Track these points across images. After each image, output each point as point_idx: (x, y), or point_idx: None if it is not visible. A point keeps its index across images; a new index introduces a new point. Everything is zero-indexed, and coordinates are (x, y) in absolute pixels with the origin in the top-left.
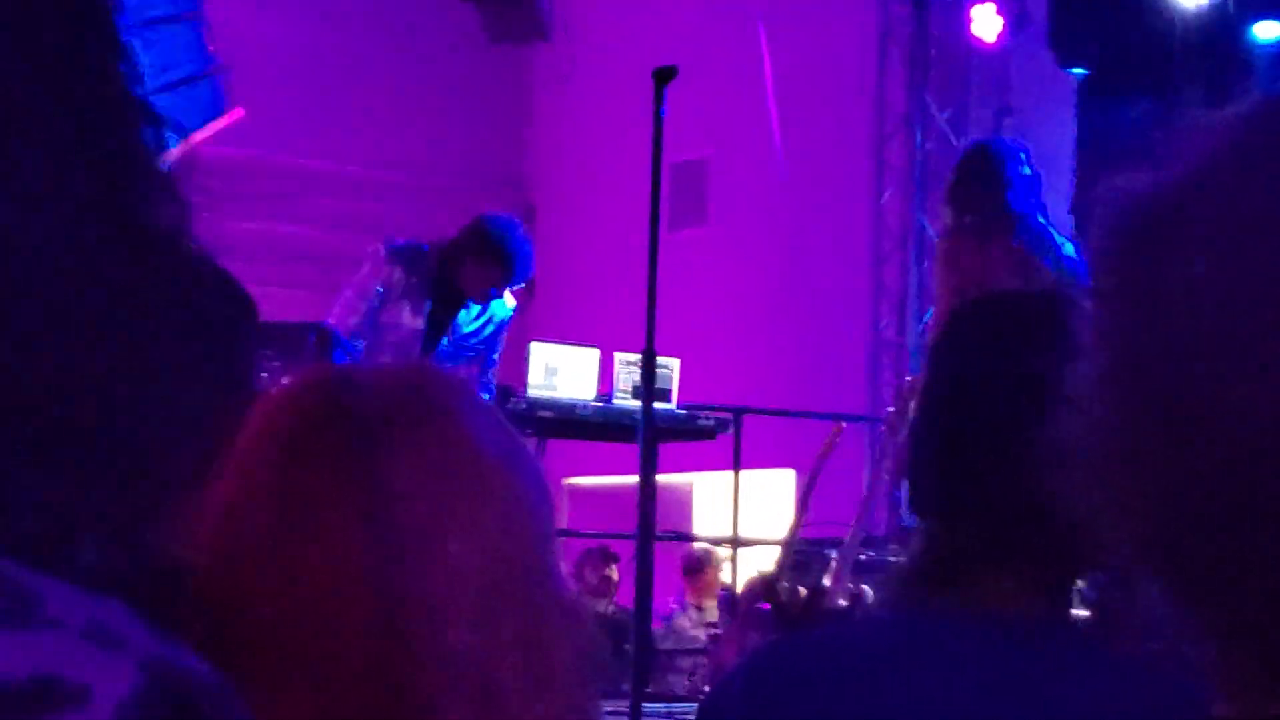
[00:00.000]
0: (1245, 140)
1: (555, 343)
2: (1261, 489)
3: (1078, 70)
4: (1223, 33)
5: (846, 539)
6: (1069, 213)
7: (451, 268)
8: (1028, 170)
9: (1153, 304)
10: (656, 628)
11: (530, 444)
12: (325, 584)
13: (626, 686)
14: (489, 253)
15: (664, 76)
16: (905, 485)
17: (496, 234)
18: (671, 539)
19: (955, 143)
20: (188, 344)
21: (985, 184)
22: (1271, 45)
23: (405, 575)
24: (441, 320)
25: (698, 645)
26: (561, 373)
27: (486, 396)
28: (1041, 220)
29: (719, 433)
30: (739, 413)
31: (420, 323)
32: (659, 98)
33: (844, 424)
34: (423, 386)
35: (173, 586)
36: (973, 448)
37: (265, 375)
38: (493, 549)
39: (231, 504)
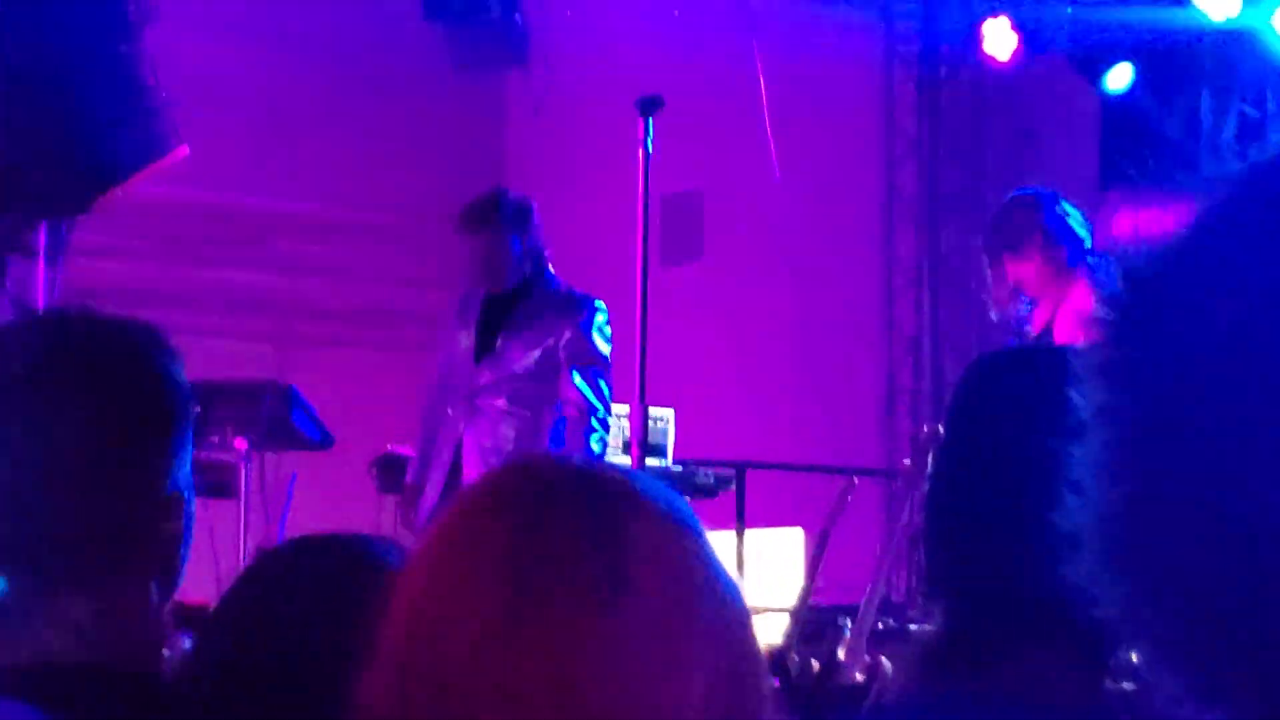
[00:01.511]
0: (1234, 206)
1: None
2: None
3: (1115, 87)
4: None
5: (862, 606)
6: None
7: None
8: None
9: (1146, 380)
10: None
11: None
12: (552, 678)
13: None
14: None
15: (650, 107)
16: (924, 549)
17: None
18: None
19: (970, 169)
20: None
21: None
22: None
23: (639, 678)
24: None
25: None
26: None
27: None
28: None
29: (720, 490)
30: (742, 468)
31: (469, 339)
32: (646, 129)
33: (856, 478)
34: (663, 487)
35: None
36: (989, 526)
37: (216, 438)
38: (725, 669)
39: (436, 590)
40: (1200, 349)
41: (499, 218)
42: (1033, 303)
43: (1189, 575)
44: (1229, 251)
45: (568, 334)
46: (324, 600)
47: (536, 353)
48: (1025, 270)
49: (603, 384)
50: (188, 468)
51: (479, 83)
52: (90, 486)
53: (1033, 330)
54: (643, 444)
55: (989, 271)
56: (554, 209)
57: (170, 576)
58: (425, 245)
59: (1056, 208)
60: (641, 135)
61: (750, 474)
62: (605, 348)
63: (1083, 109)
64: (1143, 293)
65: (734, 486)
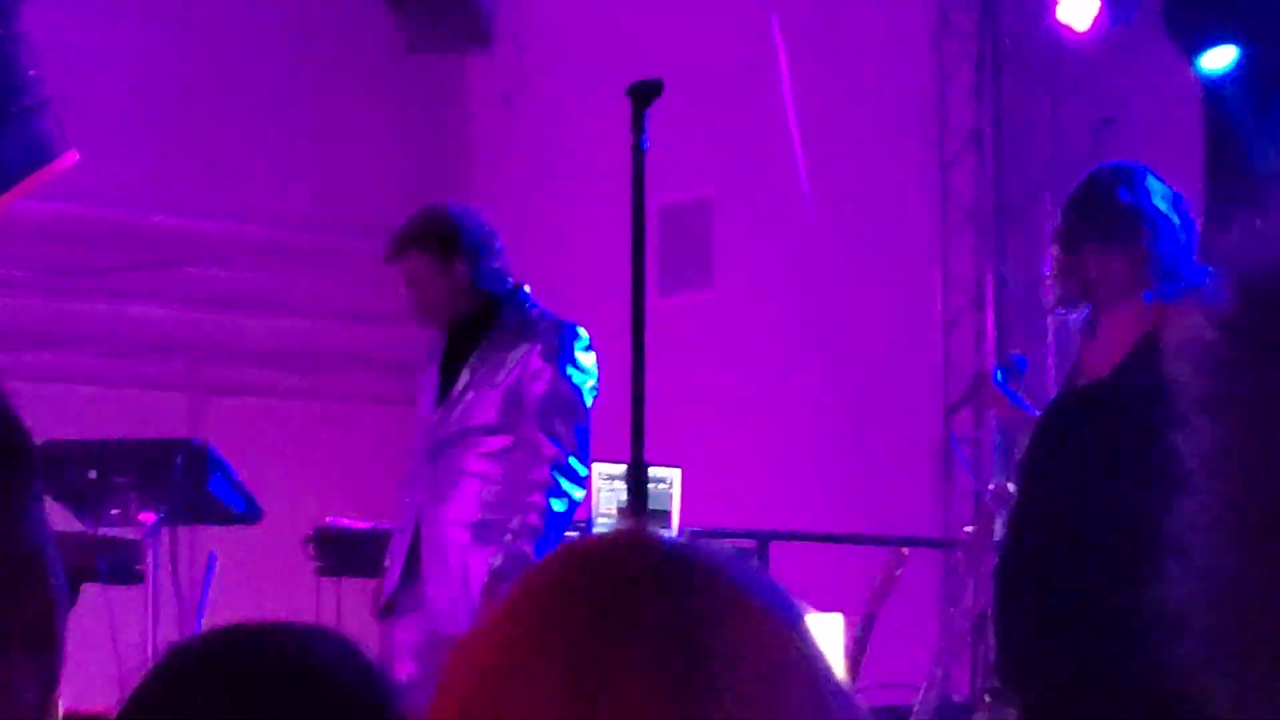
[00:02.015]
0: None
1: None
2: None
3: (1212, 67)
4: None
5: (916, 707)
6: (1197, 252)
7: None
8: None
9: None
10: None
11: None
12: None
13: None
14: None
15: (645, 94)
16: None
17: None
18: None
19: (1039, 169)
20: None
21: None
22: None
23: None
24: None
25: None
26: None
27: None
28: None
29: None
30: (765, 539)
31: (432, 382)
32: (639, 121)
33: (906, 550)
34: (766, 577)
35: None
36: (1078, 603)
37: (116, 510)
38: None
39: (499, 673)
40: None
41: (427, 240)
42: (1098, 309)
43: None
44: None
45: (534, 368)
46: (245, 708)
47: (498, 395)
48: (1114, 267)
49: (578, 431)
50: (44, 522)
51: (435, 68)
52: None
53: (1101, 350)
54: (640, 510)
55: (1059, 259)
56: (528, 222)
57: (46, 663)
58: (370, 271)
59: (1165, 192)
60: (634, 130)
61: (775, 547)
62: (585, 385)
63: (1180, 91)
64: (1272, 315)
65: (756, 562)
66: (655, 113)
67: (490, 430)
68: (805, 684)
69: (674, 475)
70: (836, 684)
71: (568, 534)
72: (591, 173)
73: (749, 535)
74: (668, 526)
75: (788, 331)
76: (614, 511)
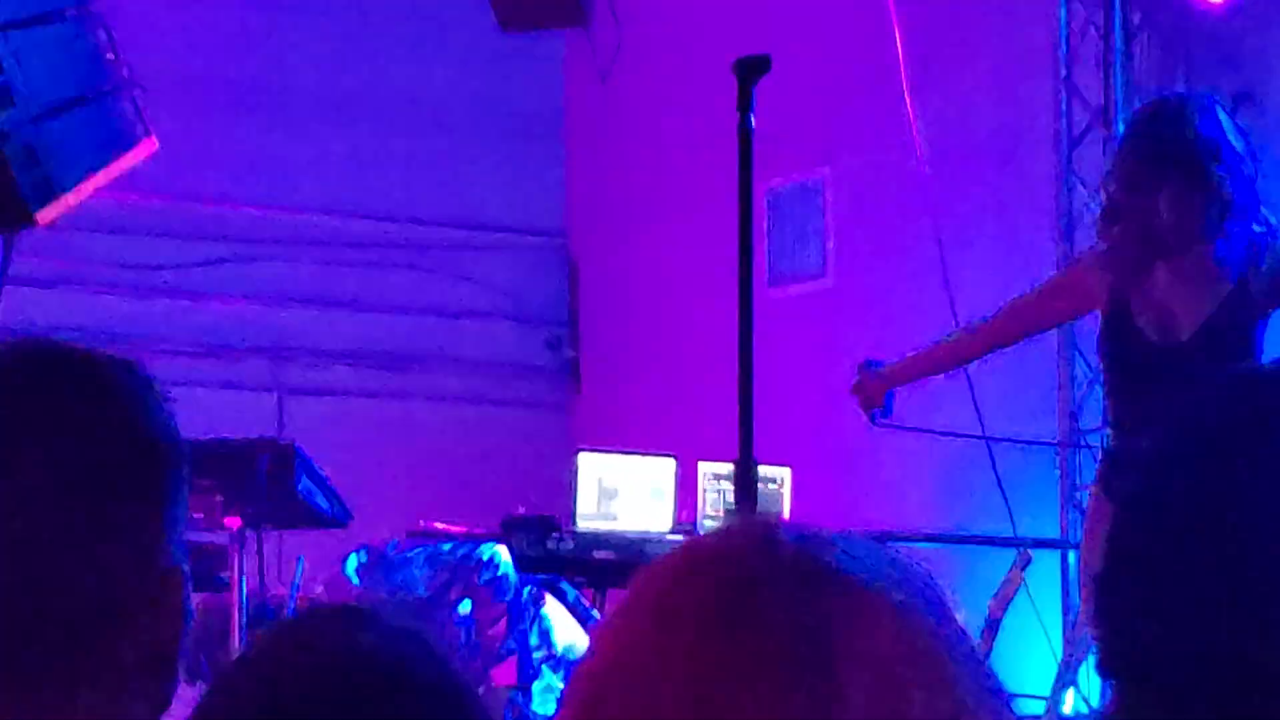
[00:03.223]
0: None
1: (613, 452)
2: None
3: None
4: None
5: (1045, 716)
6: None
7: None
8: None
9: None
10: None
11: (586, 596)
12: None
13: None
14: None
15: (752, 70)
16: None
17: None
18: None
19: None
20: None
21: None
22: None
23: None
24: None
25: None
26: (624, 495)
27: None
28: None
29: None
30: (881, 540)
31: None
32: (745, 99)
33: (1031, 552)
34: (889, 566)
35: None
36: (1172, 589)
37: (200, 515)
38: None
39: (621, 674)
40: None
41: None
42: (1155, 254)
43: None
44: None
45: None
46: (332, 692)
47: None
48: (1191, 212)
49: None
50: (182, 538)
51: (531, 47)
52: (59, 561)
53: (1175, 305)
54: (749, 511)
55: (1119, 202)
56: (629, 208)
57: (164, 684)
58: (460, 266)
59: (1236, 128)
60: (740, 108)
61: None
62: None
63: None
64: None
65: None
66: (762, 90)
67: None
68: (939, 686)
69: (785, 474)
70: (981, 684)
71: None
72: (694, 155)
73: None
74: None
75: (905, 319)
76: (720, 513)
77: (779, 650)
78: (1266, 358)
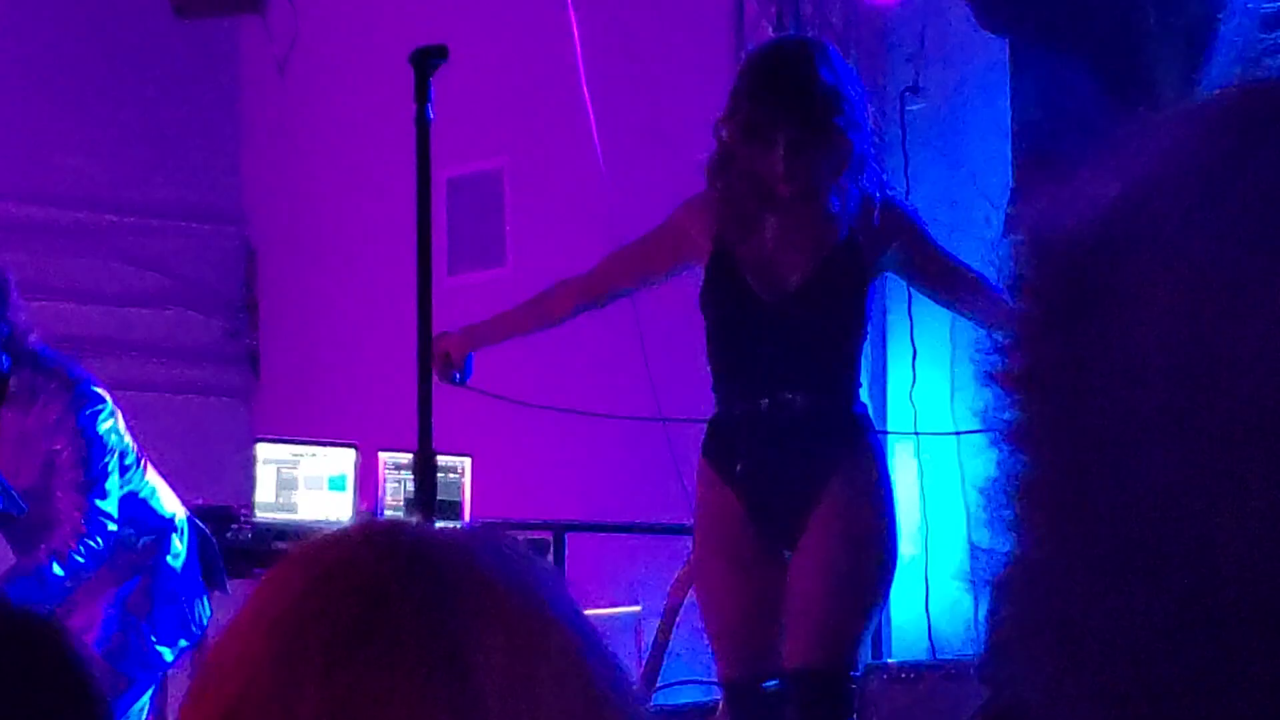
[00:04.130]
0: (1214, 154)
1: (292, 441)
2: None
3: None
4: None
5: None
6: (1002, 235)
7: None
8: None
9: (1095, 396)
10: None
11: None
12: None
13: None
14: None
15: (429, 59)
16: None
17: None
18: None
19: None
20: None
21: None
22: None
23: None
24: None
25: None
26: (303, 485)
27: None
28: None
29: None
30: (560, 530)
31: None
32: (422, 89)
33: None
34: (508, 559)
35: None
36: None
37: None
38: None
39: (248, 705)
40: (1173, 352)
41: None
42: (765, 205)
43: (1130, 659)
44: (1208, 214)
45: (56, 436)
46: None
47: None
48: (809, 162)
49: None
50: None
51: (205, 34)
52: None
53: (782, 256)
54: (429, 501)
55: (735, 148)
56: (305, 198)
57: None
58: (139, 251)
59: (856, 75)
60: (418, 97)
61: (572, 538)
62: (105, 442)
63: (987, 57)
64: (1078, 284)
65: (552, 555)
66: (440, 80)
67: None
68: (572, 678)
69: (464, 464)
70: (613, 678)
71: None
72: (374, 144)
73: (544, 526)
74: (458, 517)
75: (588, 312)
76: (400, 502)
77: (415, 660)
78: (875, 325)
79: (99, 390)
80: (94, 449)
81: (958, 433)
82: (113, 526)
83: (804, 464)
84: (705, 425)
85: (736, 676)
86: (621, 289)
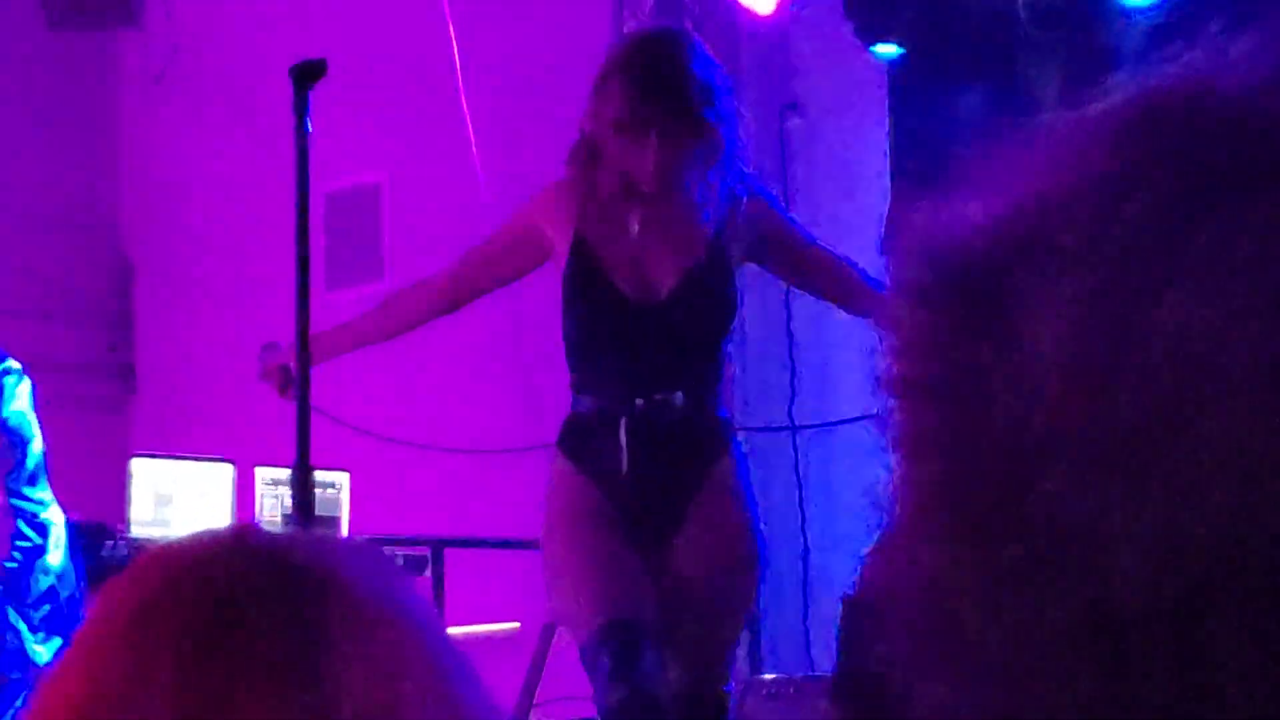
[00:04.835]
0: (1111, 158)
1: (168, 457)
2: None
3: (886, 51)
4: None
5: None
6: (880, 252)
7: None
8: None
9: (990, 407)
10: None
11: None
12: None
13: None
14: None
15: (307, 75)
16: None
17: None
18: None
19: None
20: None
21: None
22: (1147, 9)
23: None
24: None
25: None
26: (178, 500)
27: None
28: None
29: (414, 576)
30: (439, 545)
31: None
32: (301, 104)
33: None
34: (371, 571)
35: None
36: None
37: None
38: None
39: (97, 712)
40: (1061, 360)
41: None
42: (630, 198)
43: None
44: (1105, 219)
45: None
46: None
47: None
48: (678, 157)
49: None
50: None
51: (80, 46)
52: None
53: (649, 258)
54: (306, 517)
55: (613, 133)
56: (183, 213)
57: None
58: (12, 260)
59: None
60: (297, 111)
61: (451, 554)
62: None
63: (866, 75)
64: (970, 294)
65: (430, 571)
66: (319, 94)
67: None
68: (435, 700)
69: (343, 479)
70: (480, 705)
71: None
72: (253, 159)
73: (422, 542)
74: (337, 532)
75: (467, 325)
76: (278, 518)
77: (268, 670)
78: (740, 321)
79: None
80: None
81: (838, 423)
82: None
83: (682, 468)
84: (565, 420)
85: (614, 614)
86: (473, 290)
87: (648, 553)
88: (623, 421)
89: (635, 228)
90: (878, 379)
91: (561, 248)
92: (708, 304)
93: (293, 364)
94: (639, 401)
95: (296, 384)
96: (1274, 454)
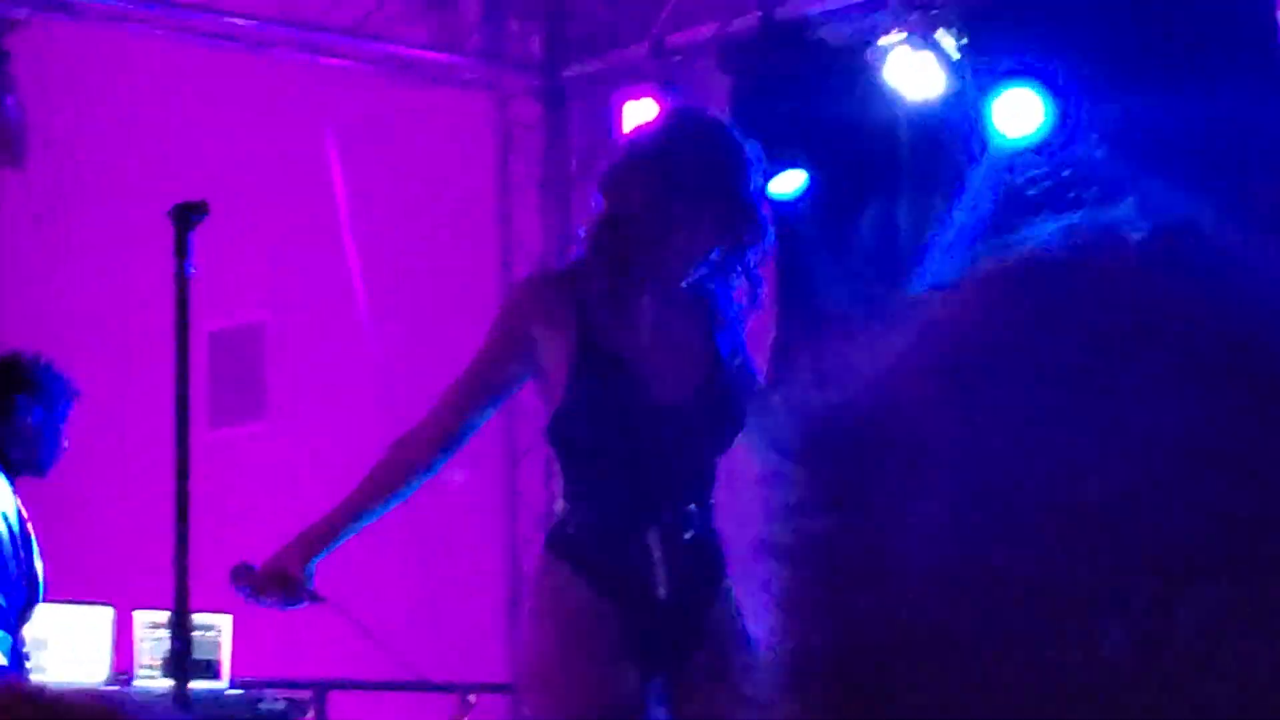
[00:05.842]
0: (998, 329)
1: (46, 601)
2: None
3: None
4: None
5: None
6: (764, 392)
7: None
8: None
9: (868, 569)
10: None
11: None
12: None
13: None
14: None
15: (188, 215)
16: None
17: None
18: None
19: None
20: None
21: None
22: (1017, 144)
23: None
24: None
25: None
26: (55, 644)
27: None
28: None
29: (295, 719)
30: (322, 688)
31: None
32: (182, 244)
33: (474, 697)
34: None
35: None
36: None
37: None
38: None
39: None
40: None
41: None
42: (640, 288)
43: None
44: (976, 380)
45: None
46: None
47: None
48: (708, 247)
49: None
50: None
51: None
52: None
53: (671, 356)
54: (184, 662)
55: (647, 211)
56: (65, 347)
57: None
58: None
59: None
60: (178, 252)
61: (335, 696)
62: None
63: None
64: (836, 461)
65: (313, 714)
66: (204, 234)
67: None
68: None
69: (224, 622)
70: None
71: None
72: (134, 299)
73: (306, 685)
74: (217, 677)
75: (348, 464)
76: (158, 662)
77: None
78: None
79: None
80: None
81: None
82: None
83: (713, 585)
84: (558, 527)
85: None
86: (480, 417)
87: (651, 673)
88: (653, 536)
89: (648, 321)
90: (763, 541)
91: (557, 346)
92: (729, 407)
93: (292, 568)
94: (665, 514)
95: (306, 588)
96: None
